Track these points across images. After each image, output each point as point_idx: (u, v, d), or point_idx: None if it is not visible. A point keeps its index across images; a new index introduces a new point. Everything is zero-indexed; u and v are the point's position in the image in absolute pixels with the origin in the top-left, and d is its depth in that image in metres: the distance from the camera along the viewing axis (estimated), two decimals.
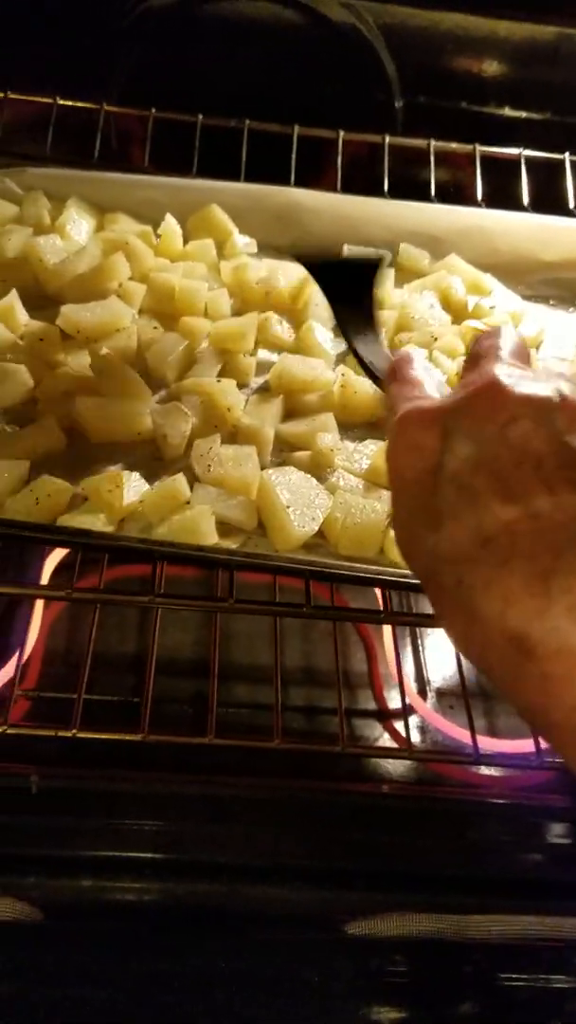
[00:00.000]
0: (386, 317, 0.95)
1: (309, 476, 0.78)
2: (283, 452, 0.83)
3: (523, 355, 0.47)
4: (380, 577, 0.71)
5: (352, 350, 0.64)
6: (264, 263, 0.98)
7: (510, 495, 0.38)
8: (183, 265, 0.95)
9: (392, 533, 0.74)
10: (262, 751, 0.84)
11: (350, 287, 0.70)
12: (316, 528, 0.75)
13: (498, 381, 0.41)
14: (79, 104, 1.09)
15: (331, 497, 0.77)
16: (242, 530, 0.76)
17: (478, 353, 0.46)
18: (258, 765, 0.95)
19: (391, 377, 0.50)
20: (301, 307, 0.96)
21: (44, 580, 0.99)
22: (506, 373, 0.42)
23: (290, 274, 0.96)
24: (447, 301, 0.98)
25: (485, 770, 0.97)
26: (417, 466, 0.42)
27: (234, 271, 0.96)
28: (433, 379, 0.48)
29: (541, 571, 0.36)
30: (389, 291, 0.98)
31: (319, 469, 0.80)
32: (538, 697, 0.36)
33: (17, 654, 0.86)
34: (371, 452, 0.82)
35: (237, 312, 0.95)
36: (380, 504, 0.76)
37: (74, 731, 0.80)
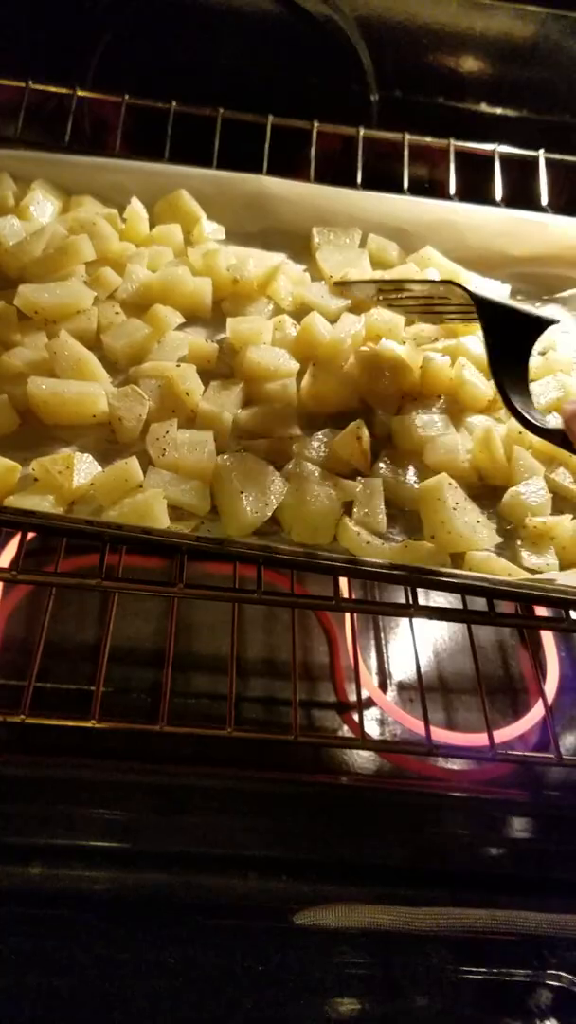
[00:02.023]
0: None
1: (265, 462, 0.77)
2: (241, 439, 0.82)
3: None
4: (334, 564, 0.70)
5: (507, 402, 0.68)
6: (231, 250, 0.97)
7: None
8: (149, 250, 0.94)
9: (347, 520, 0.74)
10: (217, 741, 0.83)
11: (515, 339, 0.73)
12: (269, 514, 0.74)
13: None
14: (51, 88, 1.08)
15: (286, 484, 0.76)
16: (195, 515, 0.75)
17: None
18: (213, 755, 0.94)
19: None
20: (268, 296, 0.95)
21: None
22: None
23: (260, 262, 0.96)
24: None
25: (443, 763, 0.97)
26: None
27: (204, 257, 0.95)
28: None
29: None
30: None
31: (277, 457, 0.80)
32: None
33: None
34: (329, 441, 0.81)
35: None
36: (335, 492, 0.76)
37: (22, 716, 0.80)
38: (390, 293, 0.90)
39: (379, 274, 0.98)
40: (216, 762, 0.93)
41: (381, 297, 0.91)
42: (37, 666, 0.83)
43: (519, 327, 0.75)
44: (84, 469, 0.73)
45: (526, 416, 0.68)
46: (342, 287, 0.95)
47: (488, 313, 0.75)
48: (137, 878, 0.85)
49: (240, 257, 0.96)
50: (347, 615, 1.04)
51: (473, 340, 0.91)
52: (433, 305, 0.88)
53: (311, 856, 0.88)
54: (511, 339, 0.74)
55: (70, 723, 0.81)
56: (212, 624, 1.06)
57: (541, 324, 0.76)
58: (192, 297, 0.92)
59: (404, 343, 0.90)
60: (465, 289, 0.77)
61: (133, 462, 0.74)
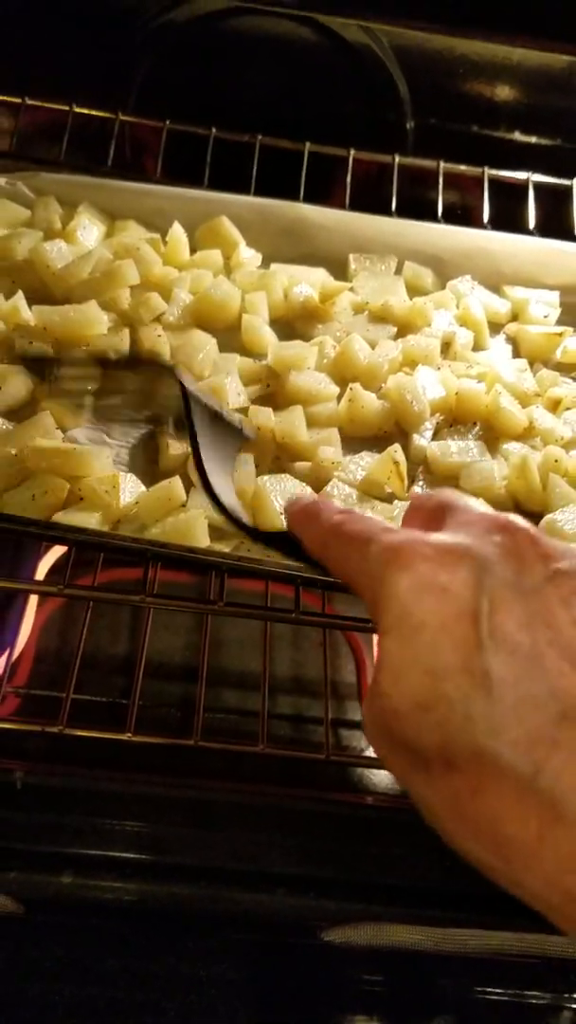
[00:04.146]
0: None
1: (304, 484, 0.79)
2: (283, 461, 0.84)
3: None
4: None
5: (207, 489, 0.61)
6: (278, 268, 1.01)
7: None
8: (191, 274, 0.96)
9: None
10: (247, 757, 0.85)
11: (220, 434, 0.69)
12: None
13: (517, 522, 0.37)
14: (95, 112, 1.11)
15: None
16: (235, 535, 0.76)
17: (441, 503, 0.41)
18: (242, 771, 0.95)
19: (312, 511, 0.45)
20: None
21: (38, 580, 1.00)
22: (514, 517, 0.38)
23: (314, 281, 0.99)
24: (465, 319, 1.00)
25: None
26: (443, 611, 0.34)
27: (261, 278, 0.98)
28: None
29: None
30: None
31: (316, 479, 0.81)
32: None
33: (8, 651, 0.87)
34: (367, 464, 0.83)
35: None
36: (372, 514, 0.77)
37: (60, 727, 0.81)
38: None
39: None
40: (244, 778, 0.95)
41: None
42: (76, 679, 0.85)
43: (224, 430, 0.73)
44: (129, 488, 0.76)
45: (229, 511, 0.61)
46: None
47: (197, 409, 0.71)
48: (168, 891, 0.86)
49: (291, 276, 0.99)
50: (375, 635, 1.05)
51: (509, 368, 0.92)
52: None
53: (339, 874, 0.89)
54: (219, 437, 0.71)
55: (106, 735, 0.83)
56: (240, 639, 1.08)
57: (239, 433, 0.74)
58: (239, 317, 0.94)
59: (439, 369, 0.92)
60: (179, 381, 0.74)
61: (176, 482, 0.76)
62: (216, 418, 0.72)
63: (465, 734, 0.32)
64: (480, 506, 0.41)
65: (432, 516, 0.41)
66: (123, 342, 0.87)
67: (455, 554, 0.36)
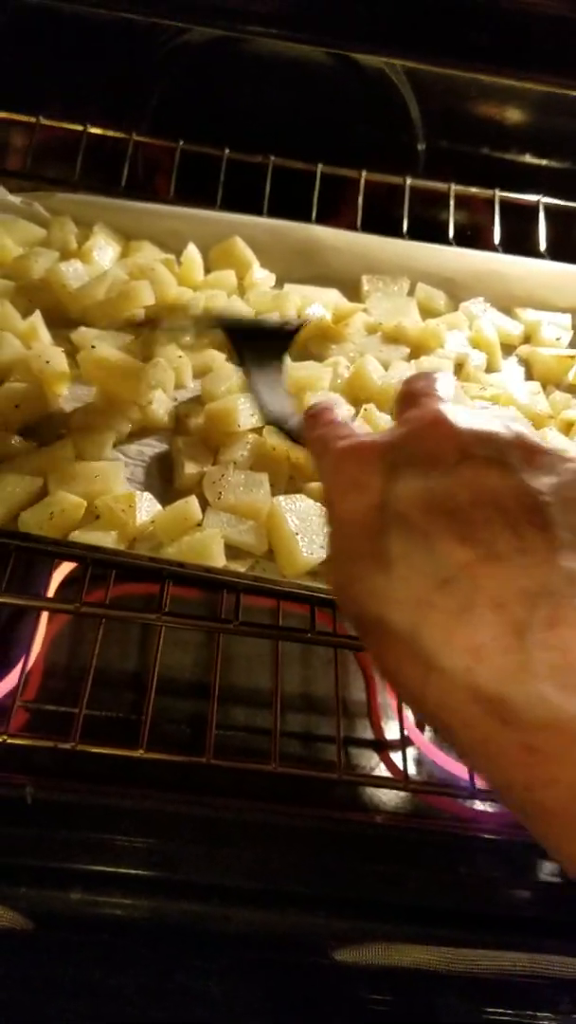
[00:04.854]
0: None
1: (318, 504, 0.80)
2: (297, 480, 0.85)
3: (458, 400, 0.46)
4: None
5: (258, 400, 0.66)
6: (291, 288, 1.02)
7: (468, 535, 0.35)
8: (205, 294, 0.97)
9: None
10: (257, 775, 0.85)
11: (265, 349, 0.72)
12: (323, 555, 0.76)
13: (445, 417, 0.40)
14: (109, 133, 1.12)
15: None
16: (251, 554, 0.77)
17: (413, 392, 0.44)
18: (252, 789, 0.95)
19: (315, 420, 0.48)
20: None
21: (50, 595, 1.00)
22: (451, 409, 0.40)
23: (327, 302, 1.00)
24: (477, 341, 1.01)
25: (479, 805, 0.98)
26: (360, 505, 0.39)
27: (274, 299, 0.98)
28: (358, 424, 0.47)
29: (513, 622, 0.33)
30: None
31: None
32: (519, 772, 0.32)
33: (21, 665, 0.87)
34: None
35: None
36: None
37: (73, 743, 0.82)
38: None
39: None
40: (253, 795, 0.95)
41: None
42: (88, 694, 0.85)
43: (267, 339, 0.76)
44: (145, 507, 0.76)
45: (279, 423, 0.66)
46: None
47: (236, 335, 0.78)
48: (178, 908, 0.86)
49: (304, 297, 1.00)
50: None
51: (522, 390, 0.93)
52: None
53: (349, 893, 0.89)
54: (263, 352, 0.74)
55: (118, 752, 0.83)
56: (249, 656, 1.08)
57: (285, 333, 0.78)
58: None
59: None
60: (212, 321, 0.82)
61: (192, 502, 0.77)
62: (255, 333, 0.77)
63: (369, 605, 0.38)
64: (443, 385, 0.45)
65: (405, 402, 0.45)
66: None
67: (376, 452, 0.41)
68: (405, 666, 0.36)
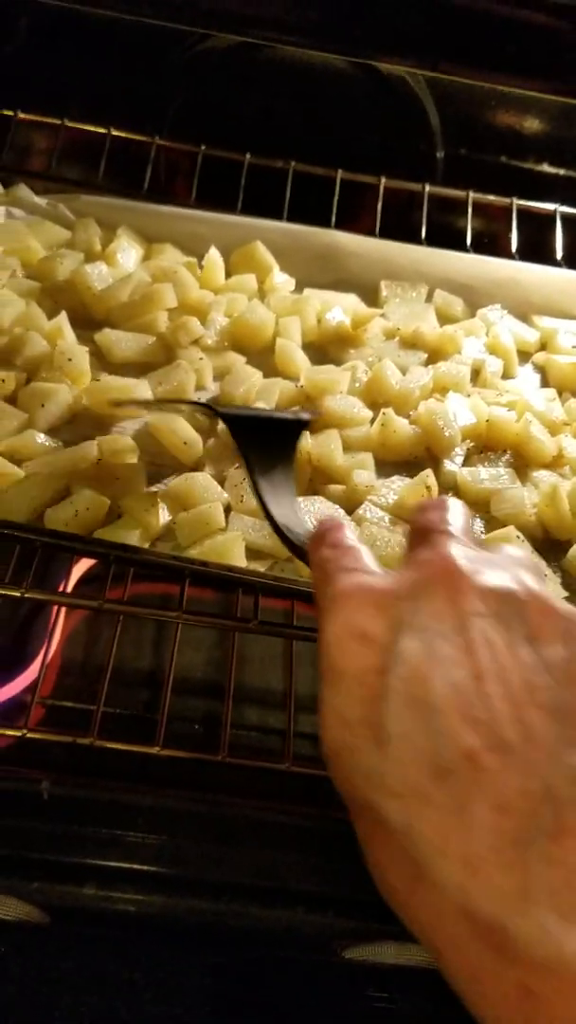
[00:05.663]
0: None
1: (336, 506, 0.81)
2: (316, 483, 0.85)
3: (471, 532, 0.42)
4: None
5: (264, 509, 0.59)
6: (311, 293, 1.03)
7: (474, 716, 0.32)
8: (226, 297, 0.98)
9: None
10: (268, 775, 0.86)
11: (272, 445, 0.66)
12: None
13: (455, 566, 0.36)
14: (132, 136, 1.13)
15: (357, 528, 0.79)
16: (271, 555, 0.78)
17: (425, 527, 0.41)
18: (262, 787, 0.96)
19: (321, 540, 0.44)
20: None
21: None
22: (464, 555, 0.37)
23: (346, 307, 1.01)
24: (494, 348, 1.02)
25: None
26: (359, 660, 0.35)
27: (295, 303, 1.00)
28: (366, 550, 0.42)
29: (514, 831, 0.29)
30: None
31: (349, 502, 0.83)
32: (512, 1013, 0.28)
33: (40, 659, 0.88)
34: (398, 488, 0.85)
35: None
36: (403, 537, 0.79)
37: (92, 739, 0.83)
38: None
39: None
40: (263, 794, 0.95)
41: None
42: (105, 691, 0.86)
43: (275, 433, 0.69)
44: (167, 509, 0.77)
45: (285, 533, 0.57)
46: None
47: (240, 429, 0.69)
48: (189, 905, 0.87)
49: (324, 301, 1.01)
50: None
51: (539, 397, 0.94)
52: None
53: (358, 892, 0.89)
54: (270, 447, 0.67)
55: (135, 748, 0.84)
56: (262, 656, 1.09)
57: (295, 425, 0.71)
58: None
59: (469, 396, 0.94)
60: (212, 409, 0.74)
61: (216, 507, 0.78)
62: (267, 425, 0.70)
63: (360, 786, 0.33)
64: (455, 516, 0.41)
65: (416, 537, 0.41)
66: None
67: (382, 601, 0.37)
68: (394, 866, 0.32)
